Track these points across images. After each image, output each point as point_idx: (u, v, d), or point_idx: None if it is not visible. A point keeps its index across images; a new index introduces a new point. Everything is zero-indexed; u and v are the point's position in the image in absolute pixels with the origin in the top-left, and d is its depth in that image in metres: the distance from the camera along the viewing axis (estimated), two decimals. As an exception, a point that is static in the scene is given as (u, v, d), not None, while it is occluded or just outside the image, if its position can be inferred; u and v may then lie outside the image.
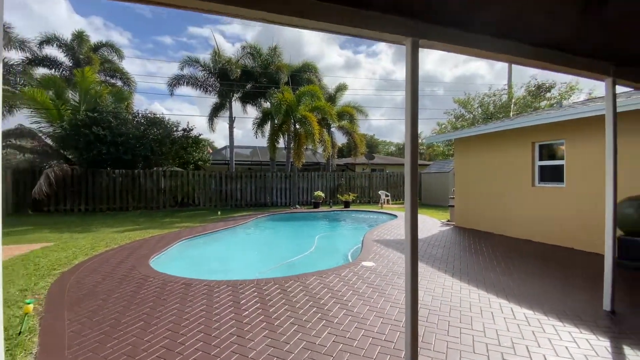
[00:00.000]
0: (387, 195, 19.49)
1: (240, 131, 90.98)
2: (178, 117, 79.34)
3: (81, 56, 18.16)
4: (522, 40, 3.17)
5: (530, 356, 2.91)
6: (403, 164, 28.33)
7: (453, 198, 10.85)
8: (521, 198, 8.25)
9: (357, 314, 3.77)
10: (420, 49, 2.82)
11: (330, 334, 3.30)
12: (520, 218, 8.27)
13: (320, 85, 20.28)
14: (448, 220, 11.24)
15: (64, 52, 18.96)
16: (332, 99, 20.91)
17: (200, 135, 19.10)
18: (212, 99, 20.22)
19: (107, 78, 20.22)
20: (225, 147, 24.27)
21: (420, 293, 4.43)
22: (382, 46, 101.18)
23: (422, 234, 8.91)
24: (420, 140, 45.29)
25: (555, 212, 7.40)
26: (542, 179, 7.89)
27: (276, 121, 15.73)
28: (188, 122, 22.42)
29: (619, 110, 5.92)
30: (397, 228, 9.89)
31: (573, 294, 4.43)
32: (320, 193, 16.86)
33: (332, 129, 21.74)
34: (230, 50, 49.25)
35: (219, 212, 12.83)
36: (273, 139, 16.05)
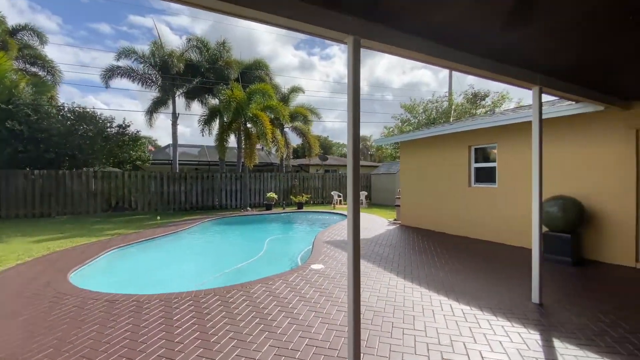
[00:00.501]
0: (339, 196, 19.74)
1: (187, 129, 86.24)
2: (117, 112, 72.61)
3: (-10, 39, 15.59)
4: (459, 47, 3.28)
5: (467, 353, 2.99)
6: (355, 165, 29.05)
7: (399, 198, 11.26)
8: (459, 198, 8.81)
9: (302, 321, 3.61)
10: (368, 50, 2.78)
11: (272, 346, 3.09)
12: (459, 217, 8.82)
13: (272, 84, 19.88)
14: (395, 220, 11.65)
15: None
16: (285, 99, 20.63)
17: (138, 132, 17.60)
18: (154, 94, 18.72)
19: (27, 66, 17.66)
20: (168, 146, 22.65)
21: (366, 294, 4.42)
22: (335, 49, 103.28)
23: (370, 233, 9.07)
24: (370, 143, 46.94)
25: (489, 211, 8.01)
26: (478, 180, 8.50)
27: (225, 119, 15.01)
28: (124, 118, 20.52)
29: (548, 116, 6.55)
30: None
31: (504, 288, 4.75)
32: (272, 194, 16.49)
33: (286, 130, 21.50)
34: (177, 43, 46.23)
35: (159, 217, 11.84)
36: (222, 138, 15.29)
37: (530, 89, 4.20)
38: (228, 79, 17.53)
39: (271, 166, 24.99)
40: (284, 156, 21.74)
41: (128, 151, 17.27)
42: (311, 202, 19.66)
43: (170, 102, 18.34)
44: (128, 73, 17.40)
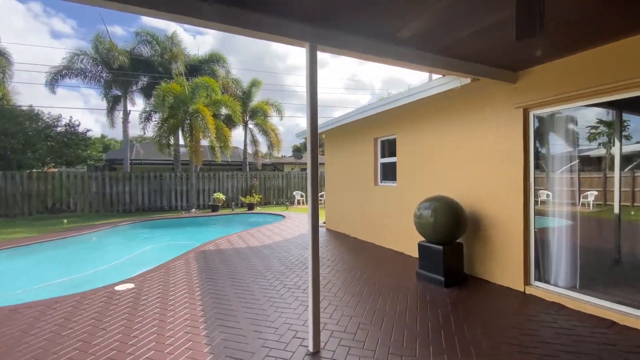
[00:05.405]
0: (302, 196, 18.59)
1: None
2: (71, 111, 70.40)
3: None
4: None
5: None
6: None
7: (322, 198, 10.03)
8: (367, 198, 7.53)
9: None
10: None
11: None
12: (366, 220, 7.55)
13: (229, 78, 18.92)
14: (324, 222, 10.40)
15: None
16: (247, 94, 19.58)
17: (88, 131, 16.97)
18: (110, 92, 18.02)
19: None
20: (133, 144, 22.03)
21: (107, 340, 3.29)
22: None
23: (277, 238, 7.88)
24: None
25: (388, 213, 6.71)
26: (385, 178, 7.20)
27: (160, 115, 14.11)
28: (71, 117, 19.93)
29: (417, 97, 5.28)
30: (258, 233, 8.84)
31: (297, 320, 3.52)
32: (220, 195, 15.49)
33: (251, 126, 20.51)
34: (188, 41, 47.41)
35: (65, 221, 11.04)
36: (161, 135, 14.42)
37: (303, 47, 2.97)
38: (177, 73, 16.60)
39: (246, 165, 24.03)
40: (244, 154, 20.71)
41: (76, 150, 16.62)
42: (273, 202, 18.59)
43: (134, 100, 17.73)
44: (80, 73, 16.67)
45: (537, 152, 4.26)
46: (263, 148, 21.66)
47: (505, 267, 4.46)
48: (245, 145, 20.31)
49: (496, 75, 4.08)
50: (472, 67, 3.86)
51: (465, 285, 4.53)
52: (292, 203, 18.56)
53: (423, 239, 4.90)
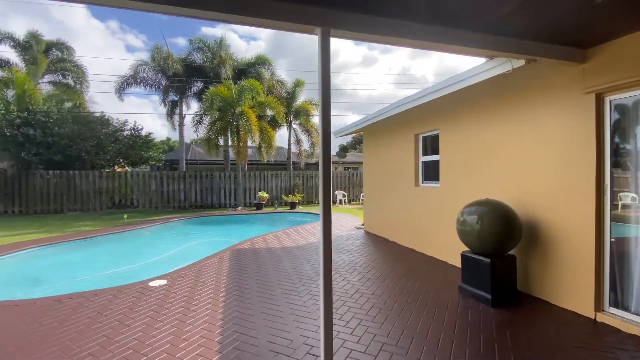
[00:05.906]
0: (344, 195, 18.26)
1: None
2: (141, 116, 77.09)
3: (26, 57, 17.82)
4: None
5: None
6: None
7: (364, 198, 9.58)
8: (408, 200, 6.96)
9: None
10: None
11: None
12: (407, 224, 6.98)
13: (274, 80, 19.27)
14: (362, 224, 9.95)
15: (17, 52, 18.70)
16: (291, 95, 19.79)
17: (150, 134, 18.55)
18: (167, 98, 19.54)
19: (61, 78, 19.84)
20: (190, 146, 23.63)
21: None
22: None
23: (306, 241, 7.70)
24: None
25: (433, 218, 6.08)
26: (427, 177, 6.57)
27: (209, 117, 14.83)
28: (135, 121, 21.90)
29: (465, 84, 4.66)
30: (294, 233, 8.75)
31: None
32: (263, 194, 15.85)
33: (295, 127, 20.72)
34: (243, 46, 49.29)
35: (126, 216, 12.10)
36: (210, 137, 15.16)
37: (313, 33, 2.66)
38: (225, 77, 17.33)
39: (290, 165, 24.40)
40: (288, 154, 20.95)
41: (140, 152, 18.26)
42: (315, 201, 18.52)
43: (189, 104, 19.11)
44: (143, 81, 18.32)
45: (616, 147, 3.44)
46: (307, 147, 21.82)
47: (570, 287, 3.69)
48: (289, 144, 20.59)
49: (559, 54, 3.36)
50: (528, 45, 3.20)
51: (518, 306, 3.85)
52: (333, 202, 18.31)
53: (467, 248, 4.30)
